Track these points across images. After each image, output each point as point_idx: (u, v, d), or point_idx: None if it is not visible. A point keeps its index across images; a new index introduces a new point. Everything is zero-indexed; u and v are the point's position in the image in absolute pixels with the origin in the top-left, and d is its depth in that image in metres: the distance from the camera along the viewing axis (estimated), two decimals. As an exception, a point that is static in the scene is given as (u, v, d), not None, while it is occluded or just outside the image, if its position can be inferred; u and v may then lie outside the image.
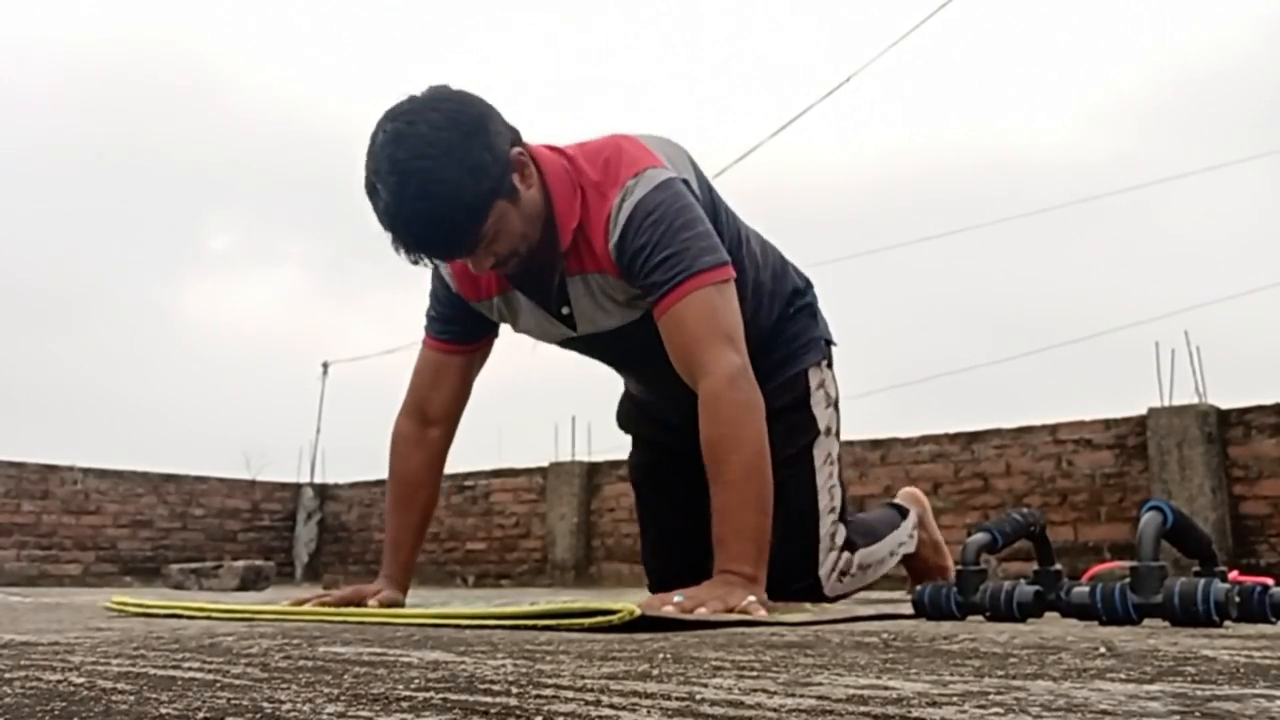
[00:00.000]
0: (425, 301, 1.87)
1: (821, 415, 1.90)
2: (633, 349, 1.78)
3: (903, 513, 2.16)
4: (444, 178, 1.47)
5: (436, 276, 1.82)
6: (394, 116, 1.51)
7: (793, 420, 1.85)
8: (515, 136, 1.59)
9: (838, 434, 1.95)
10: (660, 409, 2.01)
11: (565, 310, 1.72)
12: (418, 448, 1.84)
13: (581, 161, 1.64)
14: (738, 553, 1.47)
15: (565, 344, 1.83)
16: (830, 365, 1.98)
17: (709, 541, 1.52)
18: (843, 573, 1.90)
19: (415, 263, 1.56)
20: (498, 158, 1.53)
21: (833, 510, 1.89)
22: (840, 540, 1.89)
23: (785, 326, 1.93)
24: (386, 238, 1.53)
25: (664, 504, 2.09)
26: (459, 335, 1.83)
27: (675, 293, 1.55)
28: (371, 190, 1.51)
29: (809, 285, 2.04)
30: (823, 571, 1.85)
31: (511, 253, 1.60)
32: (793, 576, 1.81)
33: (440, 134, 1.48)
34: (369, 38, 18.61)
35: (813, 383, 1.91)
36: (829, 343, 2.01)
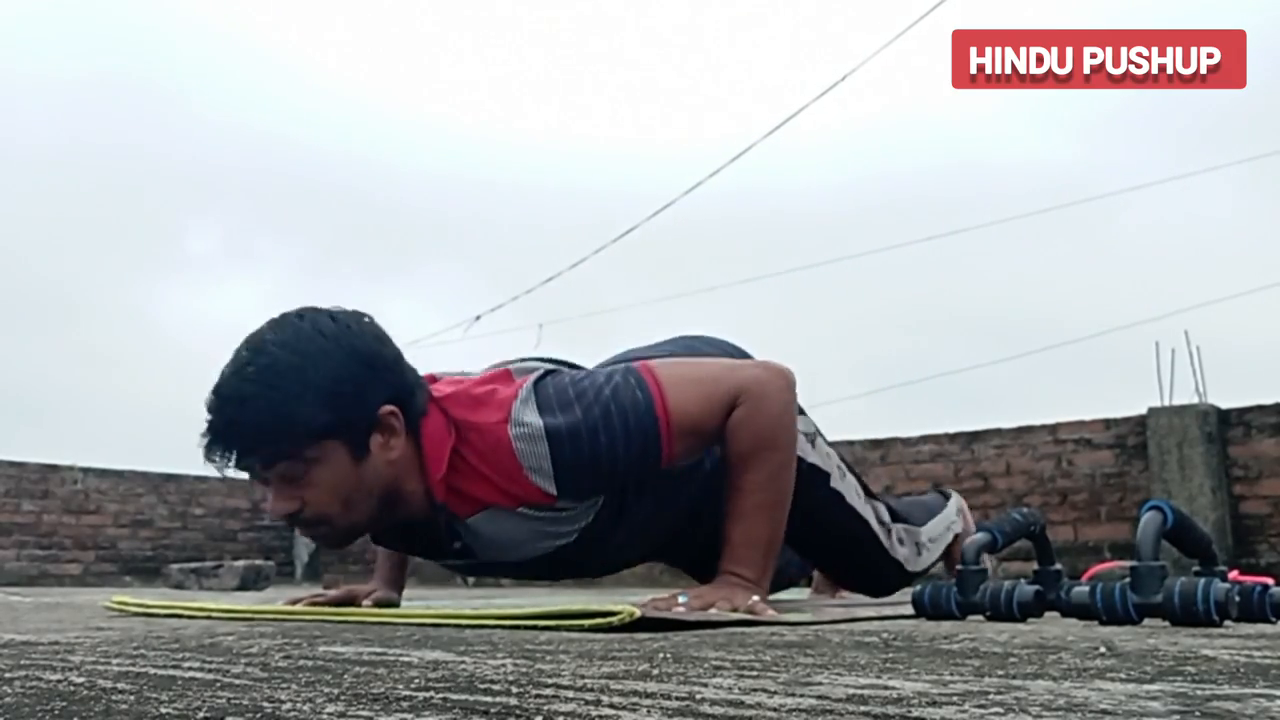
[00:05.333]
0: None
1: (817, 458, 1.79)
2: (555, 565, 1.60)
3: (945, 495, 2.29)
4: (287, 376, 1.36)
5: None
6: (300, 309, 1.43)
7: (804, 480, 1.67)
8: (402, 398, 1.42)
9: (826, 443, 1.85)
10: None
11: (458, 545, 1.52)
12: None
13: (453, 402, 1.46)
14: (744, 557, 1.47)
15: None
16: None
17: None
18: (918, 548, 2.02)
19: (208, 455, 1.40)
20: (360, 401, 1.38)
21: (881, 522, 1.94)
22: (886, 516, 1.97)
23: None
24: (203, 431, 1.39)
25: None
26: None
27: (664, 435, 1.42)
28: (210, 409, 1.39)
29: None
30: (901, 559, 1.97)
31: (321, 512, 1.41)
32: (880, 586, 2.01)
33: (318, 340, 1.38)
34: (351, 40, 18.61)
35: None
36: None
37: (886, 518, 1.99)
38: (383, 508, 1.46)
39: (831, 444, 1.90)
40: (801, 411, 1.73)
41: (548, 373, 1.48)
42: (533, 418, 1.39)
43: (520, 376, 1.48)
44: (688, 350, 1.76)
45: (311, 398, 1.36)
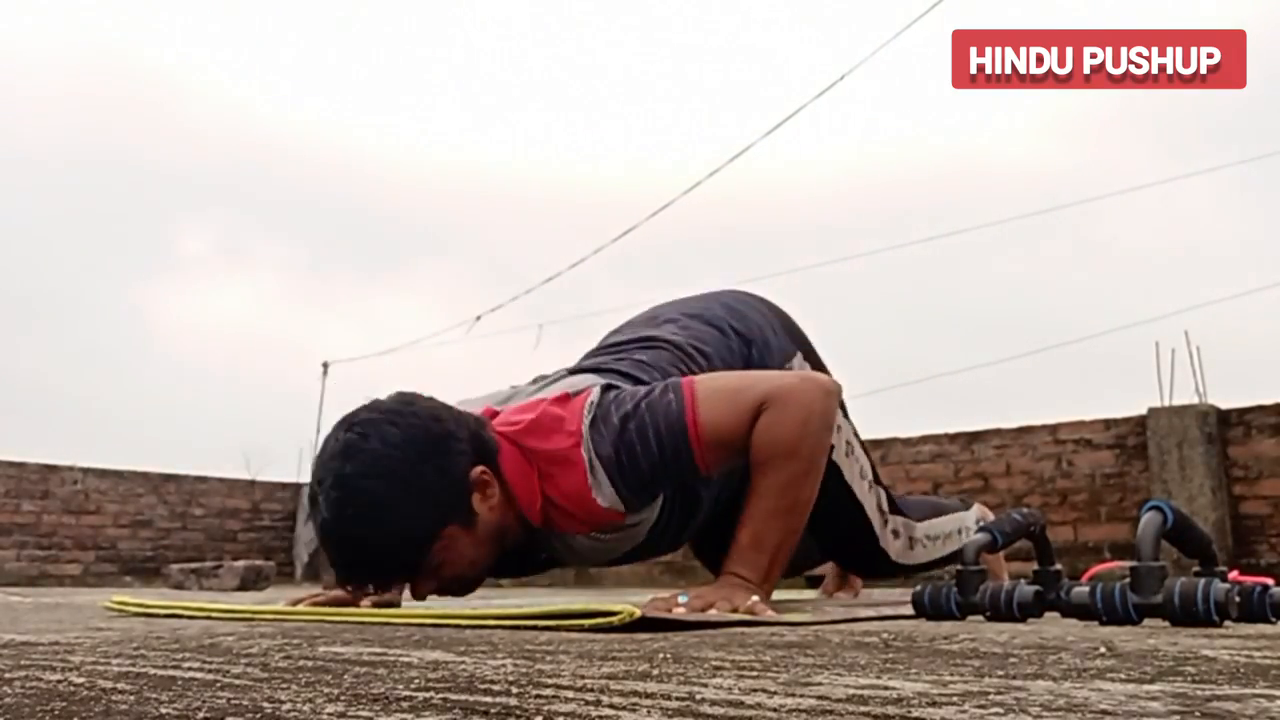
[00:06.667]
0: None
1: (838, 456, 1.88)
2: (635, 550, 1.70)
3: (966, 504, 2.33)
4: (387, 503, 1.40)
5: None
6: (349, 425, 1.45)
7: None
8: (480, 451, 1.49)
9: (844, 416, 1.92)
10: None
11: (544, 556, 1.66)
12: None
13: (525, 434, 1.53)
14: (751, 560, 1.48)
15: None
16: None
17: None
18: (910, 542, 2.07)
19: (344, 584, 1.51)
20: (453, 481, 1.44)
21: (870, 487, 1.99)
22: (886, 506, 2.03)
23: None
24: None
25: None
26: None
27: (691, 430, 1.47)
28: (312, 500, 1.46)
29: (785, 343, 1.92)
30: (892, 552, 2.02)
31: (455, 578, 1.52)
32: (866, 569, 2.12)
33: (393, 453, 1.42)
34: (348, 42, 18.61)
35: None
36: (788, 364, 1.90)
37: (886, 506, 2.02)
38: (498, 548, 1.54)
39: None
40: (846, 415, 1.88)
41: (602, 390, 1.53)
42: (595, 447, 1.47)
43: (576, 395, 1.53)
44: (726, 310, 1.85)
45: (416, 513, 1.43)
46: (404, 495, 1.41)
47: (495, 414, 1.59)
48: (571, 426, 1.48)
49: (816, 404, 1.50)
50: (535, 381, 1.71)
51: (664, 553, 1.79)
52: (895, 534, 2.05)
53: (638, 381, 1.59)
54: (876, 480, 2.02)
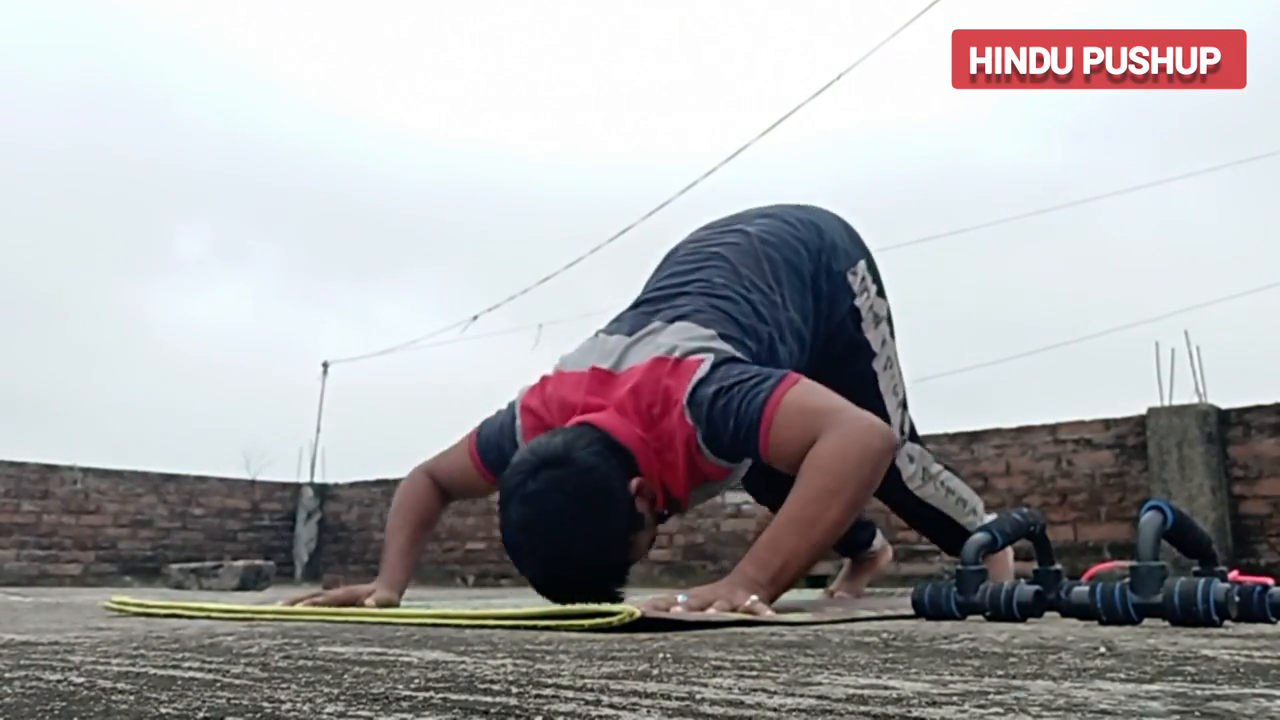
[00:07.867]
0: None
1: (874, 336, 2.14)
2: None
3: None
4: (587, 553, 1.57)
5: (509, 434, 1.85)
6: (524, 499, 1.58)
7: (852, 347, 2.12)
8: (628, 466, 1.63)
9: (891, 335, 2.19)
10: None
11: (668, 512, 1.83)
12: (432, 497, 1.99)
13: (650, 431, 1.68)
14: (763, 561, 1.50)
15: None
16: (869, 287, 2.14)
17: None
18: (924, 475, 2.24)
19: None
20: (620, 510, 1.61)
21: (900, 406, 2.19)
22: (907, 431, 2.21)
23: (823, 305, 2.06)
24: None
25: None
26: (501, 470, 1.89)
27: (761, 429, 1.59)
28: (518, 562, 1.64)
29: (849, 260, 2.13)
30: (899, 461, 2.17)
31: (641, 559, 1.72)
32: None
33: (571, 516, 1.56)
34: (345, 46, 18.59)
35: (863, 311, 2.12)
36: (853, 268, 2.11)
37: (906, 430, 2.21)
38: (658, 522, 1.74)
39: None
40: (881, 294, 2.15)
41: (711, 366, 1.67)
42: (693, 416, 1.64)
43: (685, 360, 1.69)
44: (800, 224, 2.06)
45: (609, 551, 1.61)
46: (595, 544, 1.58)
47: (609, 377, 1.73)
48: (677, 396, 1.66)
49: (872, 443, 1.56)
50: (635, 322, 1.83)
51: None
52: (910, 459, 2.22)
53: (735, 323, 1.79)
54: (904, 407, 2.21)
